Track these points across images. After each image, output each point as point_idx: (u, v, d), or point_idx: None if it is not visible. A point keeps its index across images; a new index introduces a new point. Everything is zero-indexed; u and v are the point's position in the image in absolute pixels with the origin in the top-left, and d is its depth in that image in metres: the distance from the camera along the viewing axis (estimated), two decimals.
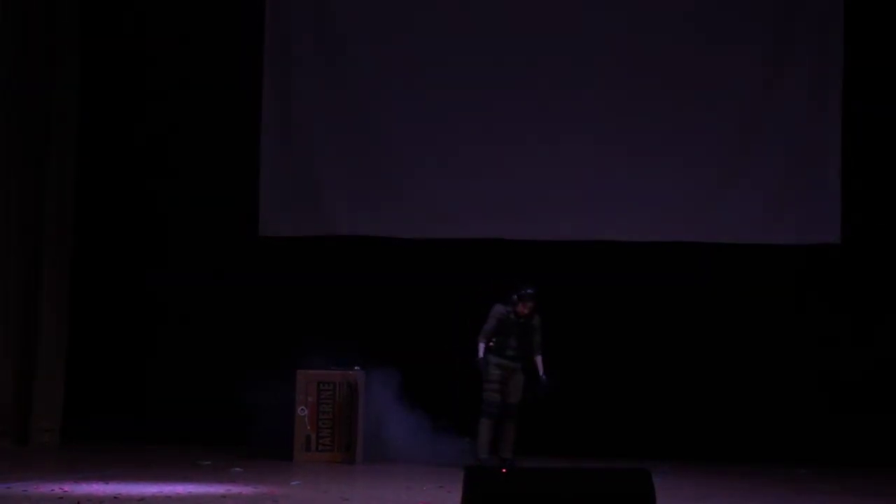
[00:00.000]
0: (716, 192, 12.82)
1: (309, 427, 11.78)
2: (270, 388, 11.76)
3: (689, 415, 12.73)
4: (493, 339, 11.43)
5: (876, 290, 12.88)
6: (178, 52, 13.45)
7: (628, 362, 12.91)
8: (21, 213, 12.76)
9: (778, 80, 12.83)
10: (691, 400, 12.78)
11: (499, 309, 11.44)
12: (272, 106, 13.24)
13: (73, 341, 13.04)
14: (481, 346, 11.42)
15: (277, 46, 13.28)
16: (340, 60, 13.20)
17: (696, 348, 12.87)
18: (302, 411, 11.80)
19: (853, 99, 12.70)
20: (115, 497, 8.70)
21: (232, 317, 13.05)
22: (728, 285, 12.95)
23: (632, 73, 12.88)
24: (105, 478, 9.83)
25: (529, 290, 11.40)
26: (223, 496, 9.01)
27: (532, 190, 12.86)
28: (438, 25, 13.17)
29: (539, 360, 11.45)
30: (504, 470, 5.96)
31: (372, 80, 13.14)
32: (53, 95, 12.87)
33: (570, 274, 12.96)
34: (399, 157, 13.09)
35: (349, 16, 13.26)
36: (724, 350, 12.88)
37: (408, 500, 9.09)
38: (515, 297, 11.41)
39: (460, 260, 12.83)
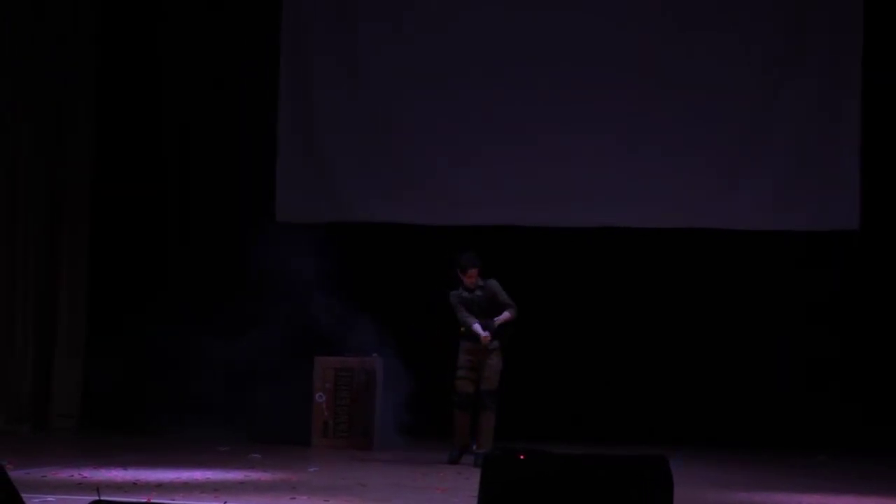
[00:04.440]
0: (733, 179, 12.78)
1: (326, 413, 11.81)
2: (288, 374, 11.80)
3: (706, 401, 12.72)
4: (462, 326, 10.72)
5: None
6: (194, 37, 13.45)
7: (644, 348, 12.91)
8: (38, 201, 12.79)
9: (799, 68, 12.75)
10: (708, 386, 12.77)
11: (453, 294, 10.72)
12: (289, 93, 13.26)
13: (91, 328, 13.08)
14: (476, 326, 10.57)
15: (294, 33, 13.29)
16: (357, 48, 13.20)
17: (714, 335, 12.86)
18: (319, 397, 11.83)
19: (874, 82, 12.60)
20: (133, 483, 8.73)
21: (250, 302, 13.05)
22: (746, 272, 12.92)
23: (648, 59, 12.83)
24: (124, 464, 9.86)
25: (465, 256, 10.63)
26: (241, 482, 9.03)
27: (547, 177, 12.84)
28: (456, 14, 13.15)
29: (508, 314, 10.58)
30: (522, 456, 5.95)
31: (389, 66, 13.14)
32: (71, 80, 12.90)
33: (587, 261, 12.97)
34: (415, 144, 13.10)
35: (368, 6, 13.25)
36: (741, 337, 12.86)
37: (425, 486, 9.10)
38: (458, 271, 10.63)
39: (477, 246, 12.78)
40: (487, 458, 5.85)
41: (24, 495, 5.73)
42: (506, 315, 10.64)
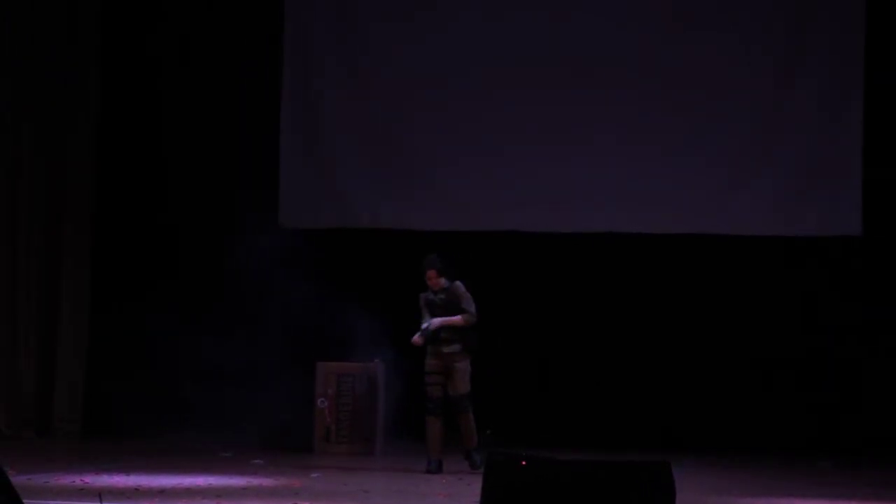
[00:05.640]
0: (737, 184, 12.75)
1: (329, 418, 11.79)
2: (290, 379, 11.78)
3: (708, 406, 12.70)
4: None
5: None
6: (195, 36, 13.44)
7: (647, 353, 12.88)
8: (39, 202, 12.80)
9: (800, 71, 12.73)
10: (711, 392, 12.74)
11: (422, 296, 10.54)
12: (293, 97, 13.25)
13: (94, 333, 13.07)
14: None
15: (298, 37, 13.28)
16: (361, 52, 13.19)
17: (716, 340, 12.83)
18: (322, 403, 11.81)
19: (876, 83, 12.56)
20: (135, 489, 8.72)
21: (253, 308, 13.05)
22: (747, 277, 12.89)
23: (653, 66, 12.80)
24: (126, 469, 9.85)
25: (427, 257, 10.42)
26: (244, 488, 9.03)
27: (552, 183, 12.81)
28: (460, 17, 13.13)
29: (457, 318, 10.31)
30: (524, 462, 5.94)
31: (393, 71, 13.12)
32: (73, 86, 12.90)
33: (589, 266, 12.95)
34: (416, 146, 13.08)
35: (371, 8, 13.25)
36: (743, 341, 12.83)
37: (428, 492, 9.09)
38: None
39: (477, 250, 12.78)
40: (490, 463, 5.84)
41: (26, 501, 5.73)
42: (454, 319, 10.34)
